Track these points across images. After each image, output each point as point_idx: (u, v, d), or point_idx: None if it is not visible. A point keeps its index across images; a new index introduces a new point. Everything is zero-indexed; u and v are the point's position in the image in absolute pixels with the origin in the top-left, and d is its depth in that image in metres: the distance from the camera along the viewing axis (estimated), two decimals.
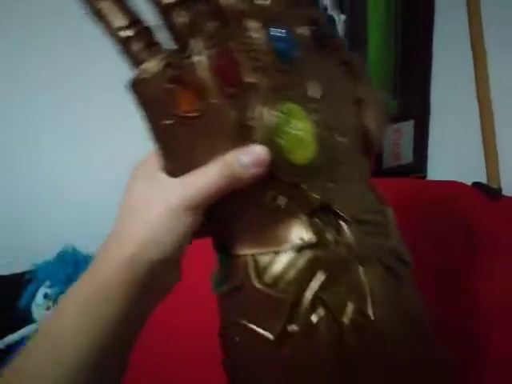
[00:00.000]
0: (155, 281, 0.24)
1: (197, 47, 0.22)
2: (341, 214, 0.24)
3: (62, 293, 0.84)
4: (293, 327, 0.23)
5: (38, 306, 0.85)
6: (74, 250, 0.88)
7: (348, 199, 0.24)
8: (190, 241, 0.24)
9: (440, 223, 0.57)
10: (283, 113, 0.22)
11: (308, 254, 0.23)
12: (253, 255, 0.24)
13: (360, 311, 0.23)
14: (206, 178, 0.22)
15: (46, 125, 0.88)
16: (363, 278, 0.23)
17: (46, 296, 0.85)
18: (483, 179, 0.68)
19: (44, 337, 0.24)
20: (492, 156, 0.66)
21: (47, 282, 0.85)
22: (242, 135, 0.22)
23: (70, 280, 0.83)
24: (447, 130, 0.93)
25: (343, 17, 0.81)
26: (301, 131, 0.22)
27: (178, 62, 0.22)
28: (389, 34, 0.83)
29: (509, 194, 0.63)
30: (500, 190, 0.64)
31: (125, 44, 0.23)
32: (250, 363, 0.25)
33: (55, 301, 0.84)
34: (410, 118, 0.90)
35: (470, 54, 0.70)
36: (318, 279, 0.23)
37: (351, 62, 0.27)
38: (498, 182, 0.66)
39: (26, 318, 0.86)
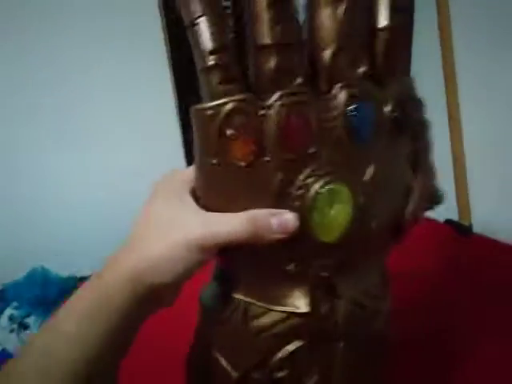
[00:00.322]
0: (155, 298, 0.24)
1: (274, 99, 0.20)
2: (340, 295, 0.24)
3: (28, 315, 0.81)
4: (256, 375, 0.24)
5: (2, 329, 0.81)
6: (44, 269, 0.85)
7: (354, 281, 0.25)
8: (193, 273, 0.24)
9: (413, 259, 0.58)
10: (329, 192, 0.22)
11: (296, 320, 0.24)
12: (246, 302, 0.25)
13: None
14: (230, 226, 0.22)
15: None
16: (339, 355, 0.25)
17: (11, 318, 0.81)
18: (454, 215, 0.70)
19: (35, 343, 0.23)
20: (463, 193, 0.68)
21: (14, 303, 0.82)
22: (282, 199, 0.22)
23: (38, 301, 0.80)
24: None
25: None
26: (337, 216, 0.22)
27: (248, 109, 0.21)
28: None
29: (479, 231, 0.65)
30: (471, 227, 0.66)
31: (204, 71, 0.21)
32: None
33: (20, 324, 0.80)
34: None
35: (444, 100, 0.73)
36: (296, 344, 0.24)
37: (419, 152, 0.26)
38: (469, 219, 0.68)
39: None
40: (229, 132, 0.21)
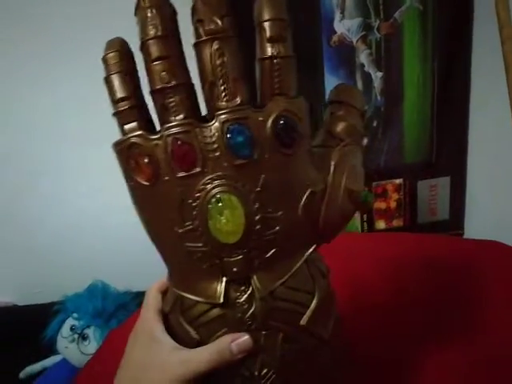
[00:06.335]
0: None
1: (161, 132, 0.26)
2: (255, 288, 0.28)
3: (88, 326, 0.84)
4: None
5: (63, 338, 0.86)
6: (104, 283, 0.89)
7: (270, 275, 0.28)
8: None
9: (476, 285, 0.54)
10: (217, 201, 0.26)
11: (217, 310, 0.29)
12: (181, 295, 0.30)
13: (249, 369, 0.29)
14: (203, 361, 0.28)
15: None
16: (262, 342, 0.29)
17: (72, 328, 0.84)
18: None
19: None
20: None
21: (75, 314, 0.85)
22: (184, 209, 0.27)
23: (97, 314, 0.84)
24: (485, 187, 0.91)
25: (380, 74, 0.83)
26: (228, 221, 0.26)
27: (142, 142, 0.26)
28: (425, 89, 0.85)
29: None
30: None
31: (114, 114, 0.28)
32: None
33: (80, 334, 0.83)
34: (446, 174, 0.89)
35: (507, 110, 0.70)
36: (223, 331, 0.29)
37: (338, 156, 0.30)
38: None
39: (50, 349, 0.86)
40: (131, 161, 0.27)
